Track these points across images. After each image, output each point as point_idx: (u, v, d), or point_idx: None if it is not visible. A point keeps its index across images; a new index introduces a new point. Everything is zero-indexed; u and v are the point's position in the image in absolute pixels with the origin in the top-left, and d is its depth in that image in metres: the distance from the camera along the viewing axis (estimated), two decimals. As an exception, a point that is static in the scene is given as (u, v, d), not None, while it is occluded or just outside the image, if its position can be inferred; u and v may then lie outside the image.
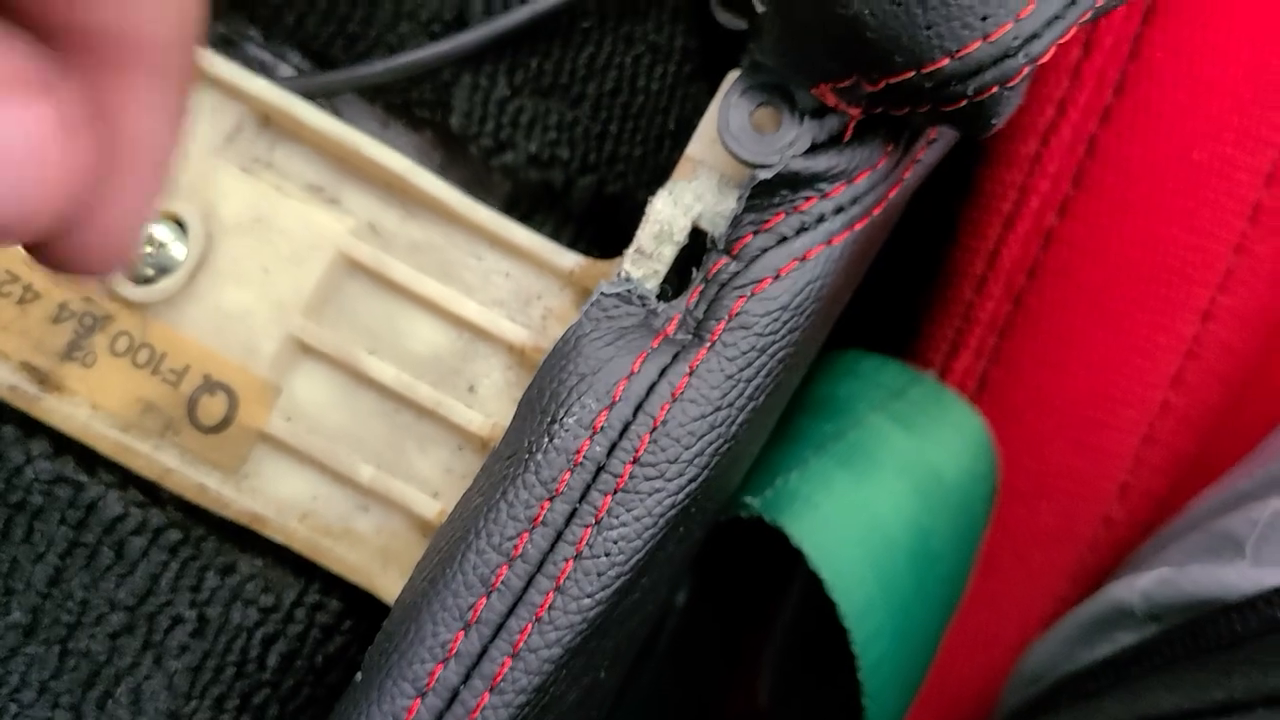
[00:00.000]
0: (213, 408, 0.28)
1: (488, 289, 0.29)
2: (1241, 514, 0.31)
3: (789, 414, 0.33)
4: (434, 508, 0.28)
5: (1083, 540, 0.36)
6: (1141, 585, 0.32)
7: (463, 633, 0.24)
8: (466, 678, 0.24)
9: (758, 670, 0.38)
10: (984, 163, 0.36)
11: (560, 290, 0.29)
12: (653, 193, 0.27)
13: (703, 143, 0.27)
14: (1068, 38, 0.23)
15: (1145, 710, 0.29)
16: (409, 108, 0.30)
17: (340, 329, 0.29)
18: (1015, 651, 0.37)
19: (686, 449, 0.25)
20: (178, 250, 0.28)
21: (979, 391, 0.36)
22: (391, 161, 0.28)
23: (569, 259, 0.28)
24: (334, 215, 0.29)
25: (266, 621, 0.28)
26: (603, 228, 0.32)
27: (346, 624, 0.28)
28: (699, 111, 0.28)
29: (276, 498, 0.28)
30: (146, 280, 0.28)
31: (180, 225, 0.28)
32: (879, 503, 0.32)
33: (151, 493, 0.28)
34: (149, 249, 0.28)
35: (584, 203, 0.32)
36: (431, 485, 0.28)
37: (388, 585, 0.28)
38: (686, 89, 0.33)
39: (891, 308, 0.37)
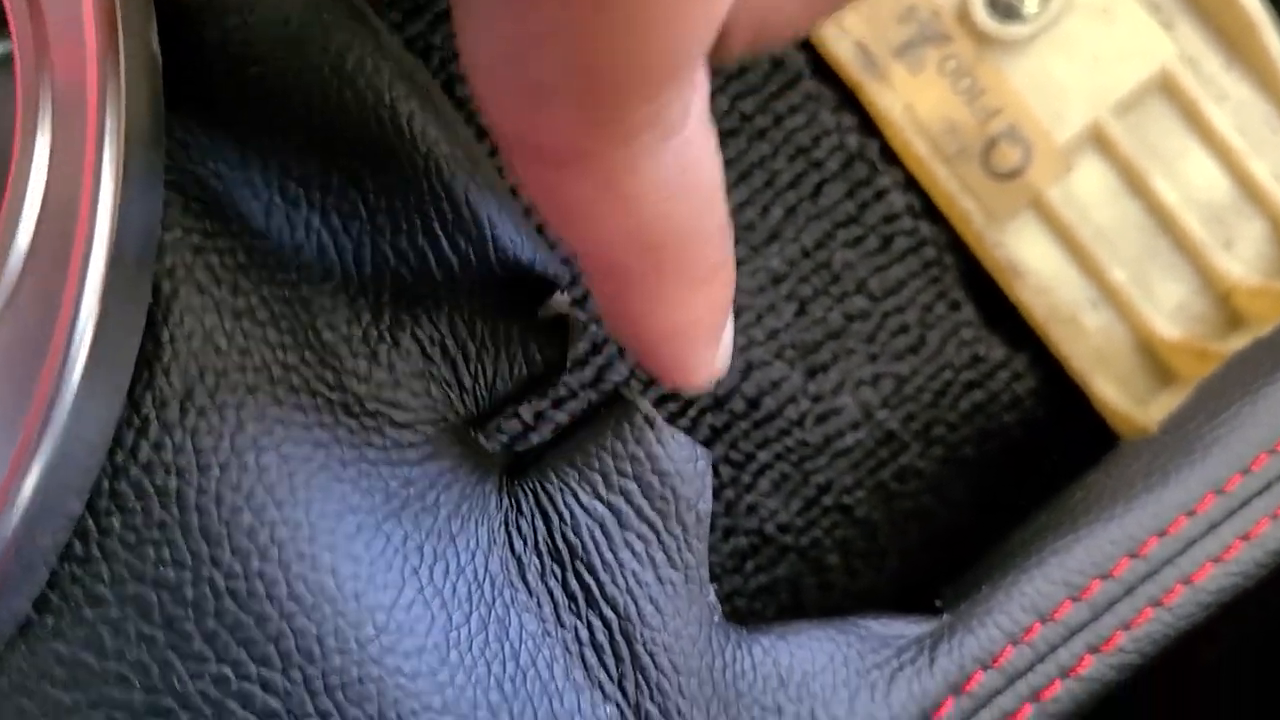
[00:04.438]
0: (1009, 156, 0.29)
1: (1275, 160, 0.29)
2: None
3: None
4: (1164, 331, 0.28)
5: None
6: None
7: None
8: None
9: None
10: None
11: (1337, 190, 0.29)
12: None
13: None
14: None
15: None
16: None
17: (1135, 138, 0.29)
18: None
19: None
20: (1031, 4, 0.29)
21: None
22: (1248, 6, 0.29)
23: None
24: (1167, 37, 0.29)
25: (973, 367, 0.29)
26: None
27: (1040, 407, 0.29)
28: None
29: (1023, 262, 0.29)
30: (999, 17, 0.29)
31: (1046, -17, 0.29)
32: None
33: (925, 205, 0.29)
34: (1013, -10, 0.29)
35: None
36: (1163, 311, 0.29)
37: (1094, 385, 0.28)
38: None
39: None
